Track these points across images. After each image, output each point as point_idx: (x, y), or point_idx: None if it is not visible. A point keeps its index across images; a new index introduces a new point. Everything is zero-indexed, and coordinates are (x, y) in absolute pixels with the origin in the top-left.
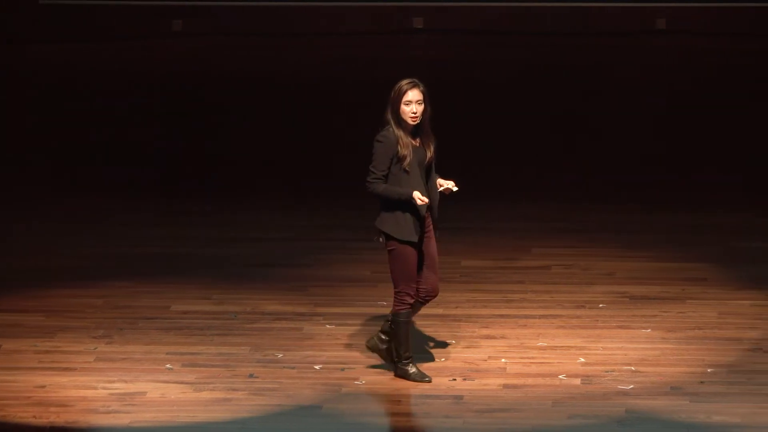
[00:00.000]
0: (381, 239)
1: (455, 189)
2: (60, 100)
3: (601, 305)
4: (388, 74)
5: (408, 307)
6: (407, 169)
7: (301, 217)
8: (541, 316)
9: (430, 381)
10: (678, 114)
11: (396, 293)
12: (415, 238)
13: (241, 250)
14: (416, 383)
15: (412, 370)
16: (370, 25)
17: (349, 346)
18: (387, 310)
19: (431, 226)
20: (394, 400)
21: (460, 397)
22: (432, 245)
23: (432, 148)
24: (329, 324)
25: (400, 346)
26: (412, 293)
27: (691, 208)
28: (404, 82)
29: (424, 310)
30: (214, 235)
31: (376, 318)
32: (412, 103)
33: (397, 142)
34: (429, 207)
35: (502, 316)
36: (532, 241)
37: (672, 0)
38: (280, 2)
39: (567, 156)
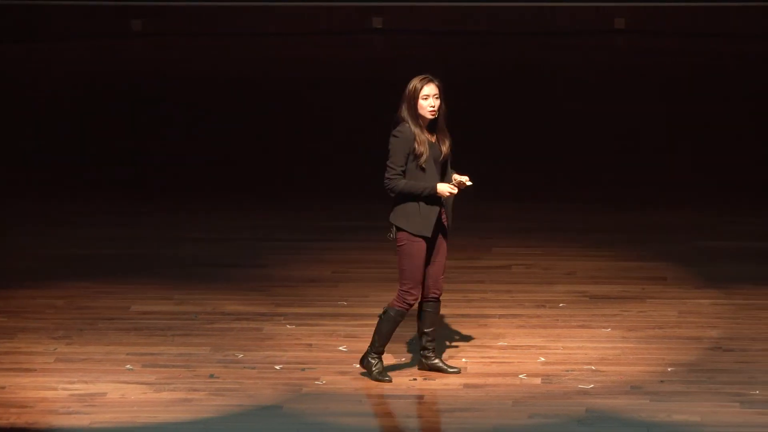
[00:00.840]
0: (391, 235)
1: (469, 183)
2: (15, 100)
3: (561, 305)
4: (348, 74)
5: (406, 307)
6: (423, 166)
7: (260, 218)
8: (501, 316)
9: (389, 381)
10: (638, 112)
11: (400, 290)
12: (428, 233)
13: (201, 251)
14: (378, 383)
15: (375, 367)
16: (330, 25)
17: (309, 346)
18: (348, 310)
19: (446, 225)
20: (354, 400)
21: (421, 397)
22: (442, 245)
23: (448, 144)
24: (290, 324)
25: (379, 339)
26: (417, 294)
27: (650, 207)
28: (418, 78)
29: (381, 309)
30: (173, 235)
31: (336, 318)
32: (430, 97)
33: (414, 139)
34: (443, 206)
35: (462, 315)
36: (492, 240)
37: (631, 0)
38: (242, 3)
39: (527, 155)
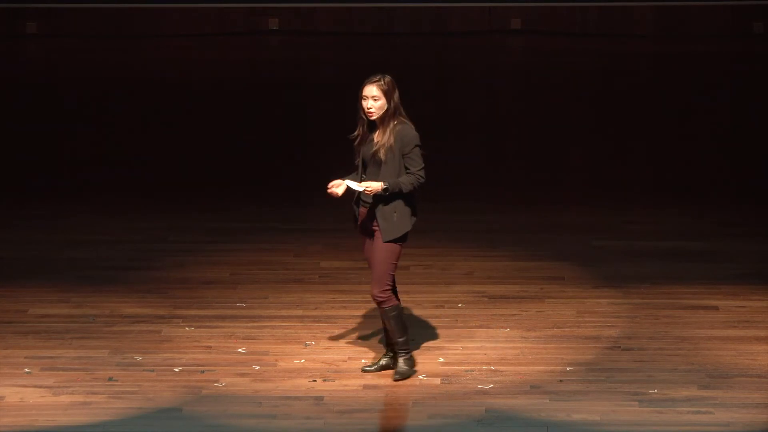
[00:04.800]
0: None
1: (357, 188)
2: None
3: (460, 305)
4: (244, 75)
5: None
6: (358, 163)
7: (155, 219)
8: None
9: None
10: (533, 113)
11: None
12: (353, 225)
13: (98, 253)
14: (275, 385)
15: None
16: (224, 26)
17: (208, 349)
18: (246, 312)
19: (378, 228)
20: (254, 401)
21: (321, 398)
22: (374, 247)
23: (380, 143)
24: (188, 326)
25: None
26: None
27: (546, 206)
28: (371, 77)
29: (280, 311)
30: (69, 238)
31: (235, 319)
32: (368, 99)
33: (357, 130)
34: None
35: (361, 316)
36: None
37: (527, 0)
38: (134, 4)
39: (423, 156)
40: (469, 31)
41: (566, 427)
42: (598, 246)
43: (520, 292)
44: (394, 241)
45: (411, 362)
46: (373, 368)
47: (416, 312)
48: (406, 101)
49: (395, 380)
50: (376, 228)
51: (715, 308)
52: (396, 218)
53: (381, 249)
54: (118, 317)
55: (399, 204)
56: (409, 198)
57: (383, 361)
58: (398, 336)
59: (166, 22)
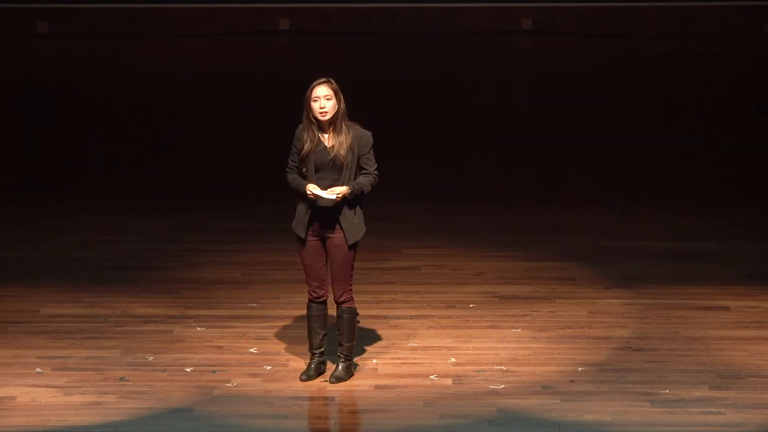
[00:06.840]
0: None
1: (330, 197)
2: None
3: (471, 305)
4: (255, 75)
5: (311, 300)
6: (307, 165)
7: (165, 219)
8: (411, 317)
9: (303, 380)
10: (542, 113)
11: None
12: (301, 233)
13: (107, 253)
14: (287, 385)
15: (311, 364)
16: (234, 26)
17: (220, 349)
18: (258, 312)
19: (340, 231)
20: (266, 402)
21: (332, 398)
22: (334, 250)
23: (338, 146)
24: (200, 326)
25: (308, 337)
26: (311, 290)
27: (557, 207)
28: (318, 80)
29: (291, 311)
30: (78, 238)
31: (247, 319)
32: (320, 99)
33: (300, 137)
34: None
35: (372, 316)
36: (401, 241)
37: (538, 0)
38: (144, 4)
39: (431, 157)
40: (479, 32)
41: (577, 428)
42: (609, 246)
43: (532, 293)
44: (355, 242)
45: (350, 369)
46: (306, 376)
47: (427, 312)
48: (416, 101)
49: (331, 383)
50: (335, 233)
51: (727, 308)
52: (357, 220)
53: (344, 251)
54: (129, 317)
55: (358, 206)
56: (365, 199)
57: (314, 365)
58: (347, 340)
59: (175, 21)
